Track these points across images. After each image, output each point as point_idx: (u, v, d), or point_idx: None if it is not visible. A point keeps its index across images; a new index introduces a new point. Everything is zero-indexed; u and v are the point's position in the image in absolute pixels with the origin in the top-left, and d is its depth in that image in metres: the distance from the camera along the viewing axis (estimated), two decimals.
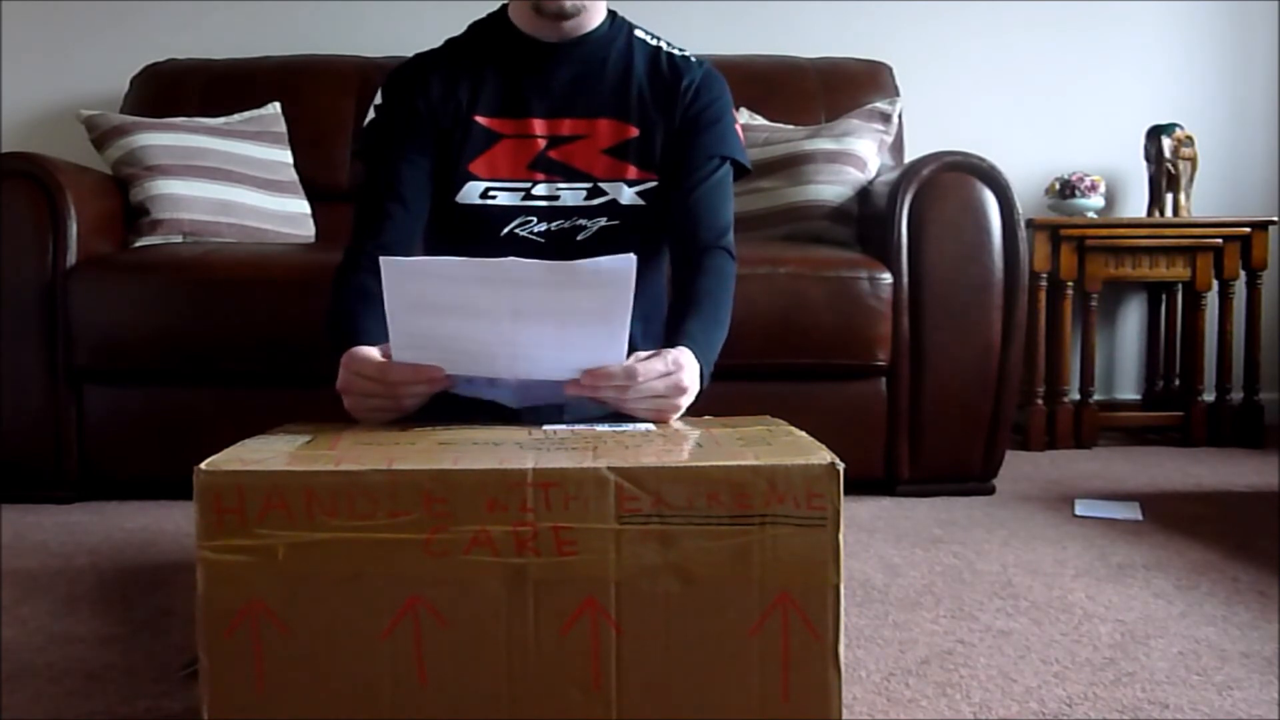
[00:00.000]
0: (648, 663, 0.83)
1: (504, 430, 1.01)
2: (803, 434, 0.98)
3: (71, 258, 2.11)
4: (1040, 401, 2.79)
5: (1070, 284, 2.77)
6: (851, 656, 1.24)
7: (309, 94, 2.70)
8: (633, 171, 1.39)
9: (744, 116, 2.63)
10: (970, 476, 2.19)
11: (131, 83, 2.76)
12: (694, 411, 1.14)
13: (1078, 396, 2.84)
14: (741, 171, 1.45)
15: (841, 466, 0.83)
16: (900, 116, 2.60)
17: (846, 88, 2.75)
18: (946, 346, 2.13)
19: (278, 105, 2.65)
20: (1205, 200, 3.07)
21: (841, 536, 0.83)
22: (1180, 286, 2.97)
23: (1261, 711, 1.09)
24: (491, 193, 1.38)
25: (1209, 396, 2.86)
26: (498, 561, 0.81)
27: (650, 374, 1.07)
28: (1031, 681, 1.17)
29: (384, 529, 0.81)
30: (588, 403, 1.09)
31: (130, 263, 2.18)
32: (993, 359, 2.13)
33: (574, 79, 1.40)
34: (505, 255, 1.02)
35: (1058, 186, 2.93)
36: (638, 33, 1.46)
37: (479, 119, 1.38)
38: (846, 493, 0.83)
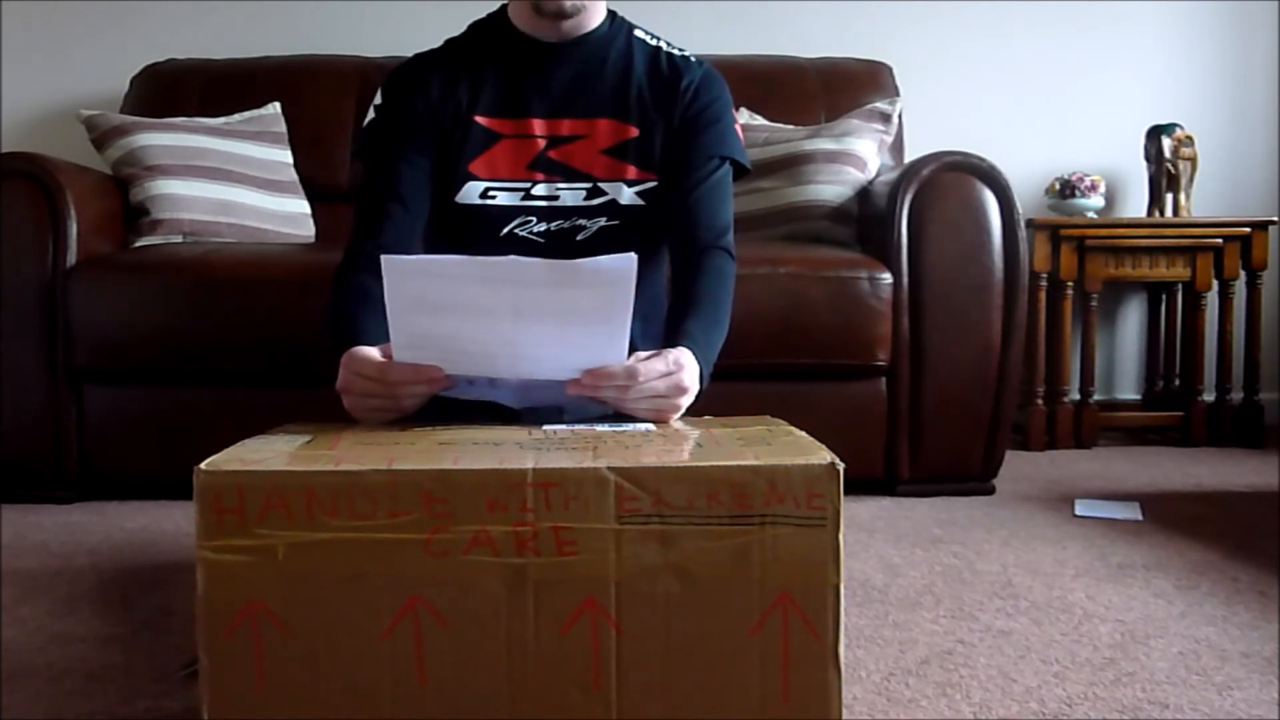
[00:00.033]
0: (648, 663, 0.83)
1: (504, 430, 1.00)
2: (803, 434, 0.98)
3: (71, 258, 2.11)
4: (1040, 401, 2.79)
5: (1070, 284, 2.77)
6: (851, 656, 1.24)
7: (309, 94, 2.70)
8: (632, 171, 1.39)
9: (744, 116, 2.63)
10: (970, 476, 2.19)
11: (131, 83, 2.76)
12: (694, 411, 1.13)
13: (1078, 396, 2.84)
14: (741, 171, 1.45)
15: (841, 466, 0.83)
16: (900, 116, 2.60)
17: (846, 88, 2.75)
18: (946, 346, 2.13)
19: (278, 105, 2.65)
20: (1205, 200, 3.07)
21: (841, 536, 0.83)
22: (1180, 286, 2.97)
23: (1261, 711, 1.09)
24: (491, 193, 1.38)
25: (1209, 396, 2.86)
26: (498, 561, 0.81)
27: (651, 374, 1.07)
28: (1031, 681, 1.17)
29: (384, 529, 0.81)
30: (588, 403, 1.09)
31: (130, 263, 2.18)
32: (993, 359, 2.13)
33: (574, 79, 1.40)
34: (505, 255, 1.02)
35: (1058, 186, 2.93)
36: (637, 33, 1.46)
37: (479, 119, 1.38)
38: (846, 493, 0.83)
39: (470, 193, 1.38)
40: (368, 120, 1.43)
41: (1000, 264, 2.13)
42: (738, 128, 1.45)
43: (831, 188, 2.38)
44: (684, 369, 1.11)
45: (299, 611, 0.81)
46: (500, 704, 0.83)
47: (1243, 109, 3.15)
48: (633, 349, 1.07)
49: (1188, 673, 1.19)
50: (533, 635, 0.82)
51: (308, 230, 2.53)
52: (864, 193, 2.38)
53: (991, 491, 2.19)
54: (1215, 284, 2.81)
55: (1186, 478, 2.36)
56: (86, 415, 2.13)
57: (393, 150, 1.38)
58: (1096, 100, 3.12)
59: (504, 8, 1.43)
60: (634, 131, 1.39)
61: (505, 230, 1.38)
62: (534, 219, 1.38)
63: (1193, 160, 2.91)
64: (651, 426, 1.05)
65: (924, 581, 1.56)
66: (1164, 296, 3.07)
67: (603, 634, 0.82)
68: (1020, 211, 2.14)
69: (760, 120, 2.65)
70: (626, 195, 1.39)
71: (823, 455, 0.85)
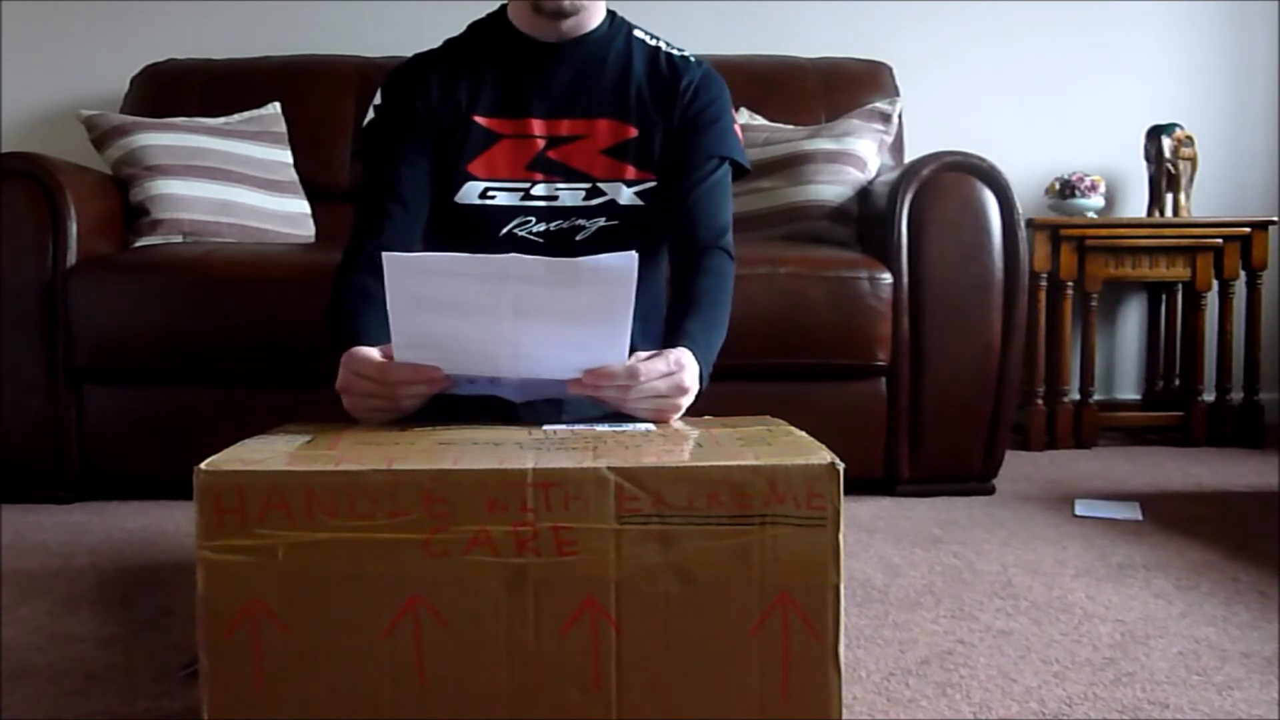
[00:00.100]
0: (648, 663, 0.83)
1: (504, 430, 1.01)
2: (803, 434, 0.98)
3: (71, 258, 2.11)
4: (1040, 401, 2.79)
5: (1070, 284, 2.77)
6: (851, 656, 1.24)
7: (309, 94, 2.70)
8: (631, 172, 1.39)
9: (744, 116, 2.63)
10: (970, 476, 2.19)
11: (131, 83, 2.76)
12: (694, 411, 1.14)
13: (1078, 396, 2.84)
14: (740, 172, 1.45)
15: (841, 466, 0.83)
16: (900, 116, 2.60)
17: (846, 88, 2.75)
18: (946, 346, 2.13)
19: (278, 105, 2.65)
20: (1205, 200, 3.07)
21: (841, 536, 0.83)
22: (1180, 286, 2.97)
23: (1261, 711, 1.09)
24: (490, 193, 1.38)
25: (1209, 396, 2.86)
26: (498, 561, 0.81)
27: (652, 374, 1.07)
28: (1031, 681, 1.17)
29: (384, 529, 0.81)
30: (587, 402, 1.09)
31: (130, 263, 2.18)
32: (993, 359, 2.13)
33: (573, 79, 1.40)
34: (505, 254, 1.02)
35: (1058, 186, 2.93)
36: (637, 33, 1.46)
37: (478, 119, 1.38)
38: (846, 493, 0.83)
39: (469, 193, 1.38)
40: (367, 120, 1.43)
41: (1000, 264, 2.13)
42: (737, 128, 1.45)
43: (831, 188, 2.38)
44: (685, 369, 1.11)
45: (299, 611, 0.81)
46: (500, 704, 0.83)
47: (1243, 109, 3.15)
48: (632, 349, 1.07)
49: (1188, 673, 1.19)
50: (533, 635, 0.82)
51: (308, 230, 2.53)
52: (864, 193, 2.38)
53: (991, 491, 2.19)
54: (1215, 284, 2.81)
55: (1186, 478, 2.36)
56: (86, 415, 2.13)
57: (392, 150, 1.38)
58: (1096, 100, 3.12)
59: (503, 8, 1.43)
60: (633, 132, 1.39)
61: (504, 230, 1.38)
62: (533, 219, 1.38)
63: (1193, 160, 2.91)
64: (651, 426, 1.05)
65: (924, 581, 1.56)
66: (1164, 296, 3.07)
67: (602, 634, 0.82)
68: (1020, 211, 2.14)
69: (760, 120, 2.65)
70: (625, 195, 1.39)
71: (823, 455, 0.85)
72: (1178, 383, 3.01)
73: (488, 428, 1.02)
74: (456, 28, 1.47)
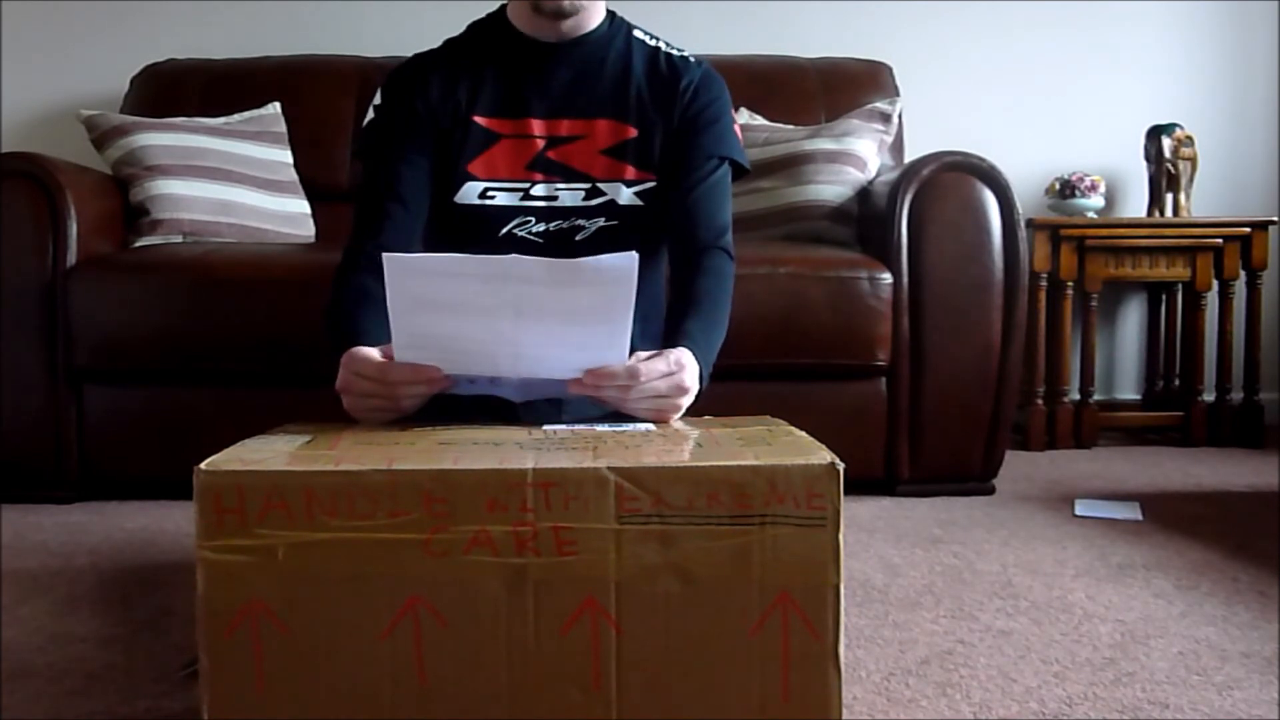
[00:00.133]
0: (648, 663, 0.83)
1: (504, 430, 1.01)
2: (803, 434, 0.98)
3: (71, 258, 2.11)
4: (1040, 401, 2.79)
5: (1070, 284, 2.77)
6: (851, 656, 1.24)
7: (309, 94, 2.70)
8: (631, 172, 1.39)
9: (744, 116, 2.63)
10: (970, 476, 2.19)
11: (131, 83, 2.76)
12: (694, 411, 1.14)
13: (1078, 396, 2.84)
14: (740, 172, 1.45)
15: (841, 466, 0.83)
16: (900, 116, 2.60)
17: (846, 88, 2.75)
18: (946, 346, 2.13)
19: (278, 105, 2.65)
20: (1205, 200, 3.07)
21: (841, 536, 0.83)
22: (1180, 286, 2.97)
23: (1261, 711, 1.09)
24: (490, 193, 1.38)
25: (1209, 396, 2.86)
26: (498, 561, 0.81)
27: (652, 374, 1.07)
28: (1031, 681, 1.17)
29: (384, 529, 0.81)
30: (587, 402, 1.09)
31: (130, 263, 2.18)
32: (993, 359, 2.13)
33: (573, 79, 1.40)
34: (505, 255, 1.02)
35: (1058, 186, 2.93)
36: (636, 33, 1.46)
37: (478, 119, 1.38)
38: (846, 493, 0.83)
39: (469, 193, 1.38)
40: (367, 120, 1.43)
41: (1000, 264, 2.13)
42: (737, 128, 1.45)
43: (831, 188, 2.38)
44: (685, 369, 1.11)
45: (299, 611, 0.81)
46: (500, 704, 0.83)
47: (1243, 109, 3.15)
48: (632, 349, 1.07)
49: (1188, 673, 1.19)
50: (533, 635, 0.82)
51: (308, 230, 2.53)
52: (864, 193, 2.38)
53: (991, 491, 2.19)
54: (1215, 284, 2.81)
55: (1186, 478, 2.36)
56: (86, 415, 2.13)
57: (392, 150, 1.38)
58: (1096, 100, 3.12)
59: (503, 8, 1.43)
60: (633, 132, 1.39)
61: (504, 230, 1.38)
62: (533, 219, 1.38)
63: (1193, 160, 2.91)
64: (652, 426, 1.05)
65: (924, 581, 1.56)
66: (1164, 296, 3.07)
67: (602, 634, 0.82)
68: (1020, 211, 2.14)
69: (760, 120, 2.65)
70: (625, 195, 1.39)
71: (823, 455, 0.85)
72: (1178, 383, 3.01)
73: (488, 428, 1.02)
74: (456, 28, 1.47)
